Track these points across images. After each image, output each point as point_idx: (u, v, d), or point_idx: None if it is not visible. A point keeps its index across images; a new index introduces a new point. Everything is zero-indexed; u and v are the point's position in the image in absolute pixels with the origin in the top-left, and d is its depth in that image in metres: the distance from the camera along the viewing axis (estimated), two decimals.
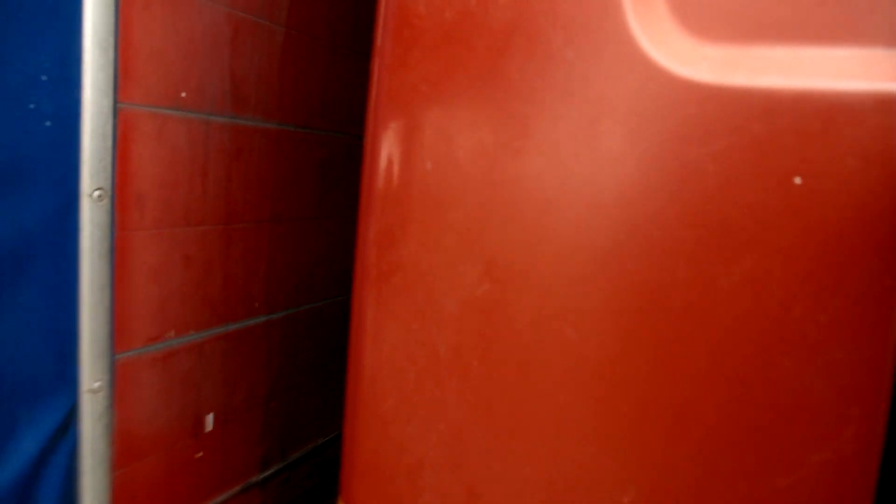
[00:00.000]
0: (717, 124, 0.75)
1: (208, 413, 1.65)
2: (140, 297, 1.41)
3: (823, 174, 0.72)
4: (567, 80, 0.83)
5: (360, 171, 2.40)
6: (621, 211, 0.81)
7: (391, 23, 0.93)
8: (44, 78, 1.14)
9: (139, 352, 1.42)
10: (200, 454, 1.64)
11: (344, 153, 2.08)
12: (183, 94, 1.41)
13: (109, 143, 1.25)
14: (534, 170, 0.86)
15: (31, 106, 1.14)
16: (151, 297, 1.44)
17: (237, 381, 1.75)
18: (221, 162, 1.56)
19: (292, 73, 1.77)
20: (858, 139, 0.70)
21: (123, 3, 1.25)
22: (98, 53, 1.20)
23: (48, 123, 1.16)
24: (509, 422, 0.88)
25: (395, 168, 0.94)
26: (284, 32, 1.71)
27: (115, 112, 1.25)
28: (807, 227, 0.73)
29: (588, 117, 0.82)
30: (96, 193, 1.24)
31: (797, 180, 0.73)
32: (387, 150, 0.94)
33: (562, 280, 0.85)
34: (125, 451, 1.41)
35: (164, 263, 1.46)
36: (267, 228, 1.78)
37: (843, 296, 0.72)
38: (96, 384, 1.30)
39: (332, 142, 2.02)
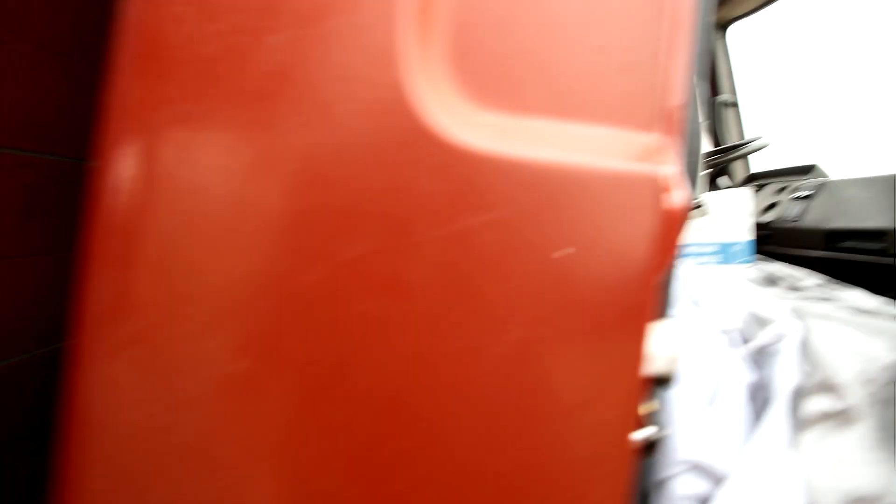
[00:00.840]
0: (492, 193, 0.76)
1: None
2: None
3: (581, 245, 0.77)
4: (338, 134, 0.77)
5: (76, 199, 2.01)
6: (395, 280, 0.77)
7: (136, 46, 0.77)
8: None
9: None
10: None
11: (56, 178, 1.74)
12: None
13: None
14: (299, 232, 0.78)
15: None
16: None
17: None
18: None
19: None
20: (614, 213, 0.76)
21: None
22: None
23: None
24: None
25: (135, 219, 0.77)
26: None
27: None
28: (567, 297, 0.77)
29: (359, 179, 0.77)
30: None
31: (557, 254, 0.76)
32: (123, 196, 0.77)
33: (333, 355, 0.78)
34: None
35: None
36: None
37: (600, 360, 0.78)
38: None
39: (43, 165, 1.67)
